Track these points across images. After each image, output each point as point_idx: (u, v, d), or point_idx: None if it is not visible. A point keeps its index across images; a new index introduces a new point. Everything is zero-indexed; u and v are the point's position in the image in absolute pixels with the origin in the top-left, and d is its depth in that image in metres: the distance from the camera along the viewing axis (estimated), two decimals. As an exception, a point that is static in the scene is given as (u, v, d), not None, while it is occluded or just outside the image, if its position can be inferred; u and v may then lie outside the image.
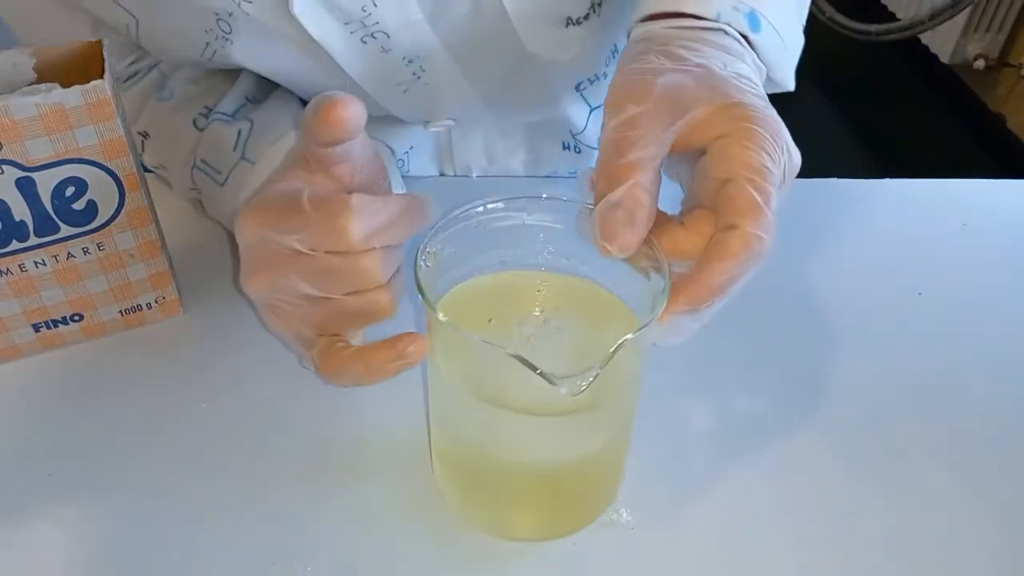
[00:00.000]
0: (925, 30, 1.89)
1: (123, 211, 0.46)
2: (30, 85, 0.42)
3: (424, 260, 0.38)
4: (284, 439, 0.47)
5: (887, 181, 0.68)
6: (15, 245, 0.45)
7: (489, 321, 0.41)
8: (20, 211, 0.44)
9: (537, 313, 0.42)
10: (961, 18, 2.16)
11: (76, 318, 0.49)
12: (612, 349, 0.34)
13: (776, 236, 0.36)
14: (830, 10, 1.94)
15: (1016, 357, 0.54)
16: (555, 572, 0.41)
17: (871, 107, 2.49)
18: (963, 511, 0.45)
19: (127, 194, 0.46)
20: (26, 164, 0.42)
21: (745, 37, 0.44)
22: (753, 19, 0.44)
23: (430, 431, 0.46)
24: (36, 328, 0.49)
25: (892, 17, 2.42)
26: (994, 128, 2.26)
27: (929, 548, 0.43)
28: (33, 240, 0.45)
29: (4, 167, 0.42)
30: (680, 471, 0.46)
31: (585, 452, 0.40)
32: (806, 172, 0.68)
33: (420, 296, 0.36)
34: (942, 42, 2.33)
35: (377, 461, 0.46)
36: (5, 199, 0.43)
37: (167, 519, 0.43)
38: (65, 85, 0.41)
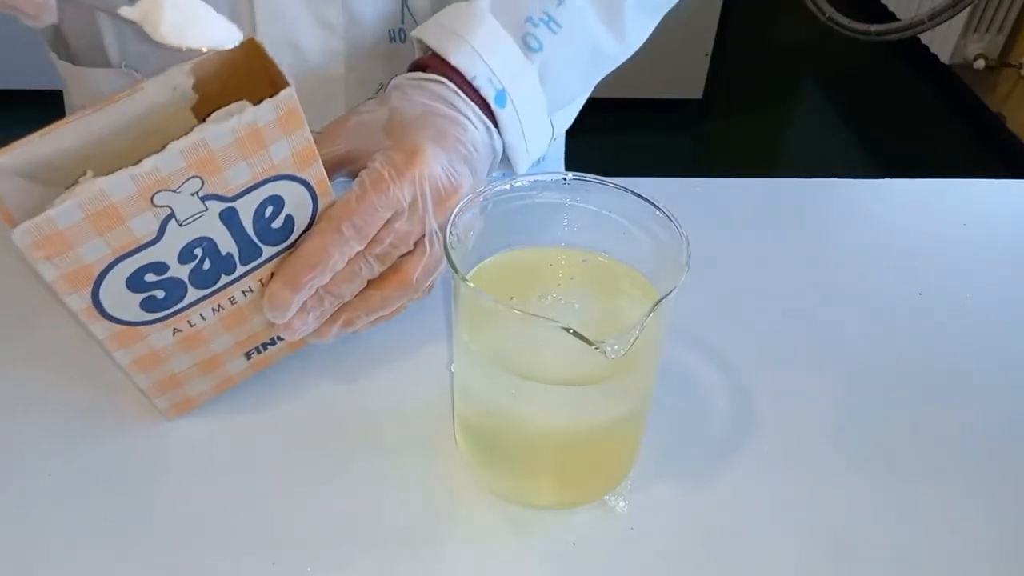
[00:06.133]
0: (925, 30, 1.89)
1: (317, 219, 0.44)
2: (194, 109, 0.41)
3: (453, 238, 0.39)
4: (296, 416, 0.47)
5: (887, 181, 0.69)
6: (224, 280, 0.42)
7: (511, 297, 0.42)
8: (226, 244, 0.41)
9: (557, 287, 0.44)
10: (961, 18, 2.16)
11: (280, 337, 0.47)
12: (648, 311, 0.35)
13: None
14: (830, 10, 1.94)
15: (1016, 357, 0.54)
16: (556, 570, 0.42)
17: (871, 107, 2.49)
18: (964, 510, 0.45)
19: (319, 200, 0.43)
20: (227, 194, 0.39)
21: (491, 110, 0.49)
22: (501, 97, 0.50)
23: (454, 404, 0.47)
24: (248, 355, 0.47)
25: (892, 17, 2.43)
26: (994, 128, 2.26)
27: (931, 546, 0.43)
28: (239, 270, 0.43)
29: (207, 203, 0.39)
30: (680, 469, 0.46)
31: (610, 420, 0.42)
32: (806, 172, 0.69)
33: (452, 271, 0.38)
34: (942, 42, 2.33)
35: (398, 436, 0.47)
36: (211, 236, 0.40)
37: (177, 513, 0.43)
38: (250, 100, 0.38)
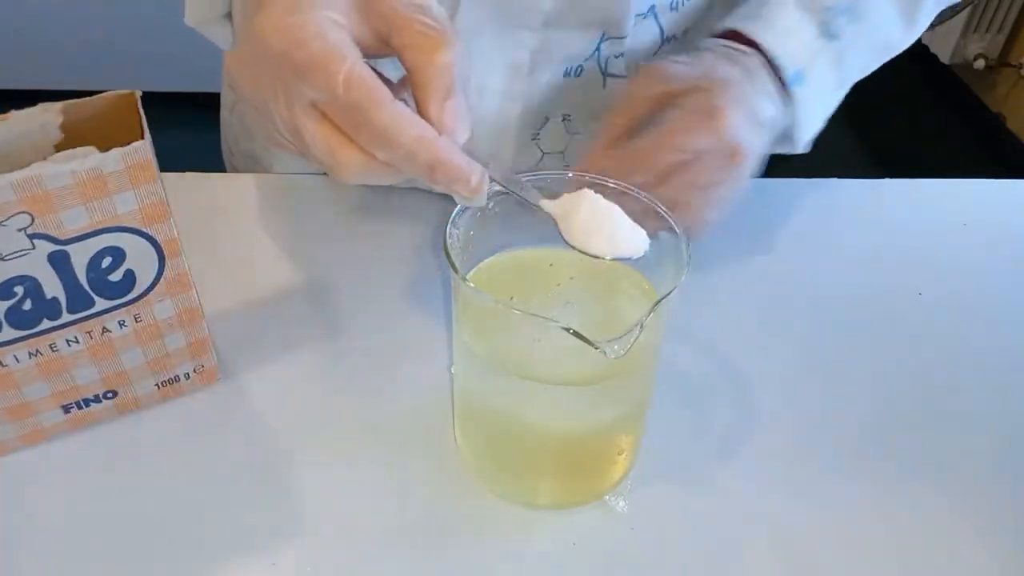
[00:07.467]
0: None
1: (163, 279, 0.43)
2: (58, 146, 0.40)
3: (453, 237, 0.39)
4: (296, 416, 0.47)
5: (887, 181, 0.69)
6: (46, 324, 0.41)
7: (511, 297, 0.42)
8: (52, 287, 0.40)
9: (557, 287, 0.44)
10: (961, 18, 2.16)
11: (109, 395, 0.46)
12: (648, 311, 0.35)
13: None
14: (830, 10, 1.94)
15: (1016, 357, 0.54)
16: (556, 569, 0.42)
17: (871, 107, 2.48)
18: (965, 509, 0.45)
19: (167, 261, 0.42)
20: (60, 237, 0.38)
21: (786, 88, 0.53)
22: (798, 77, 0.53)
23: (454, 404, 0.47)
24: (66, 409, 0.45)
25: (892, 17, 2.42)
26: (994, 128, 2.26)
27: (932, 546, 0.43)
28: (66, 317, 0.41)
29: (36, 241, 0.38)
30: (680, 469, 0.46)
31: (610, 420, 0.42)
32: (806, 172, 0.69)
33: (451, 271, 0.38)
34: (942, 42, 2.33)
35: (398, 436, 0.47)
36: (36, 276, 0.39)
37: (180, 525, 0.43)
38: (100, 146, 0.37)
